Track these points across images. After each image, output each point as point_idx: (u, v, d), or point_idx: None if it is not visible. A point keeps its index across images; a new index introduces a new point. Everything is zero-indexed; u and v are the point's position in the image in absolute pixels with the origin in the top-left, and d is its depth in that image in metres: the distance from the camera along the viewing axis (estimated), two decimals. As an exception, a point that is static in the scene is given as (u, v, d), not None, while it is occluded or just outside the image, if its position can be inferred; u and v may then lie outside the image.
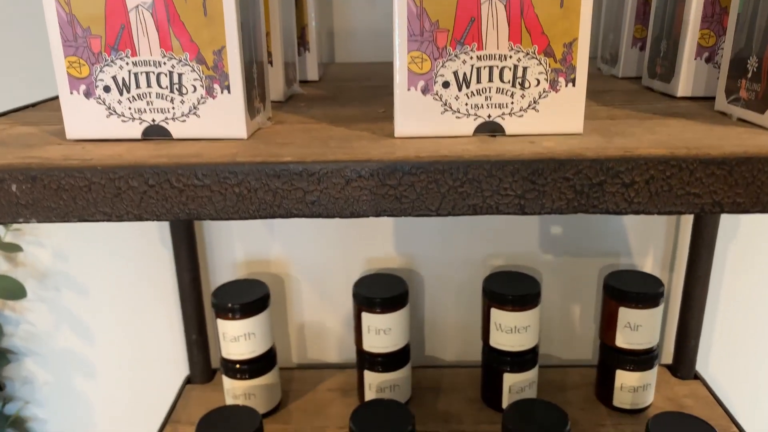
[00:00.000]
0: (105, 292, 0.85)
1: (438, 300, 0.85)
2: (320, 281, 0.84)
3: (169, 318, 0.86)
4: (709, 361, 0.87)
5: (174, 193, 0.29)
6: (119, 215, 0.29)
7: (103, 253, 0.83)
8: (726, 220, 0.80)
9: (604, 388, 0.76)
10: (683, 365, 0.81)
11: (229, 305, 0.71)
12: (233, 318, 0.71)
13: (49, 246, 0.83)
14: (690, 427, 0.61)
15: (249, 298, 0.72)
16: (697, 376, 0.82)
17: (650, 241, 0.82)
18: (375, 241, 0.82)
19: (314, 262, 0.83)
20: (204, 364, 0.82)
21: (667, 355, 0.86)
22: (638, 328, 0.72)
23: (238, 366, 0.74)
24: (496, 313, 0.72)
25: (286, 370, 0.86)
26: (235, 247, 0.83)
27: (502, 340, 0.73)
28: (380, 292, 0.73)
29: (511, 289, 0.72)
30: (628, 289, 0.72)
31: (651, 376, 0.74)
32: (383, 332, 0.73)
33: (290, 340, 0.87)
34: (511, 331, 0.72)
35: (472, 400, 0.79)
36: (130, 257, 0.83)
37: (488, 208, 0.29)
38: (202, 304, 0.81)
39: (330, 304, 0.85)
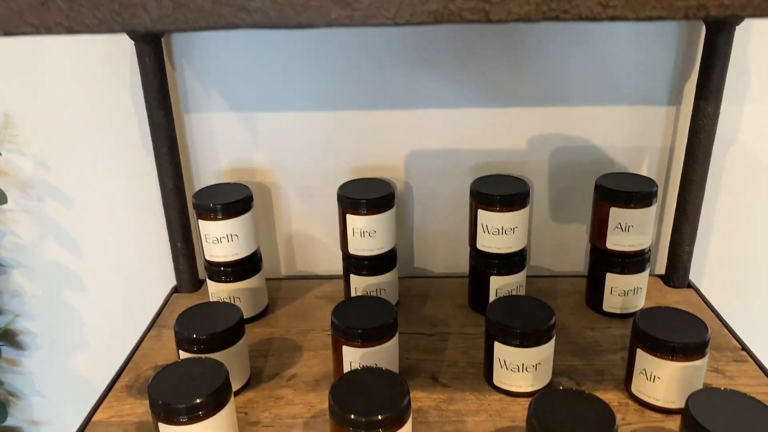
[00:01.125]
0: (89, 201, 0.84)
1: (427, 210, 0.83)
2: (307, 191, 0.82)
3: (156, 228, 0.85)
4: (703, 273, 0.86)
5: (105, 0, 0.26)
6: (47, 27, 0.27)
7: (85, 162, 0.82)
8: (724, 122, 0.77)
9: (594, 293, 0.75)
10: (676, 274, 0.80)
11: (210, 205, 0.69)
12: (214, 218, 0.70)
13: (29, 154, 0.82)
14: (678, 320, 0.60)
15: (231, 198, 0.71)
16: (690, 285, 0.81)
17: (645, 149, 0.79)
18: (362, 150, 0.80)
19: (300, 170, 0.81)
20: (191, 274, 0.82)
21: (661, 268, 0.85)
22: (630, 228, 0.70)
23: (222, 269, 0.73)
24: (483, 215, 0.71)
25: (274, 280, 0.85)
26: (219, 155, 0.81)
27: (489, 242, 0.71)
28: (365, 193, 0.71)
29: (498, 190, 0.70)
30: (621, 188, 0.70)
31: (642, 279, 0.73)
32: (368, 234, 0.71)
33: (278, 251, 0.86)
34: (498, 232, 0.71)
35: (459, 305, 0.78)
36: (112, 165, 0.82)
37: (450, 15, 0.26)
38: (187, 211, 0.79)
39: (317, 214, 0.84)
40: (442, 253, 0.86)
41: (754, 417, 0.48)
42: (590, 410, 0.49)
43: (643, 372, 0.59)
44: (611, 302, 0.74)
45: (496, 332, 0.61)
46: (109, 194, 0.83)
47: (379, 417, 0.48)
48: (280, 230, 0.85)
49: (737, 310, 0.85)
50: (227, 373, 0.54)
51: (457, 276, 0.84)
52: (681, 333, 0.58)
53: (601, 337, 0.71)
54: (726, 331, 0.71)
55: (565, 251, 0.85)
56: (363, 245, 0.72)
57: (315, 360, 0.69)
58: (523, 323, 0.60)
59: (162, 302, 0.80)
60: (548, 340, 0.61)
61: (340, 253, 0.76)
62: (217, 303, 0.64)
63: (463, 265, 0.82)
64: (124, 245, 0.86)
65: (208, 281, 0.74)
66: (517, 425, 0.58)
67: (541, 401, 0.50)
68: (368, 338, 0.60)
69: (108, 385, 0.65)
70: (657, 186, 0.70)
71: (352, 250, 0.73)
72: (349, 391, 0.51)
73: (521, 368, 0.61)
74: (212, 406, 0.52)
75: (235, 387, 0.62)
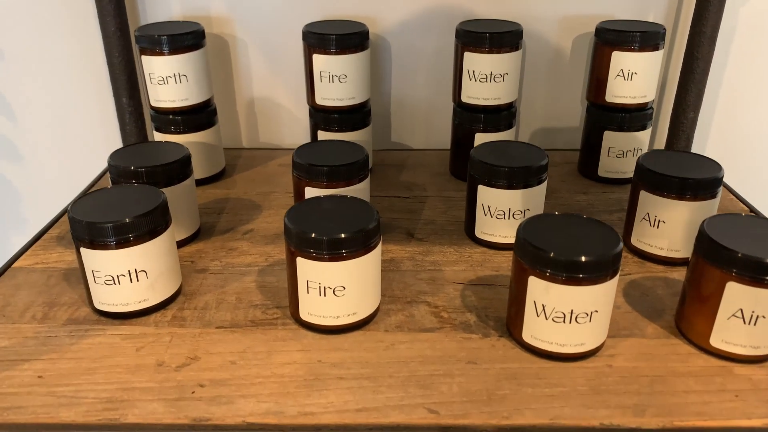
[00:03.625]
0: (21, 54, 0.73)
1: (407, 73, 0.74)
2: (269, 45, 0.73)
3: (99, 85, 0.75)
4: (706, 145, 0.78)
5: None
6: None
7: (14, 10, 0.71)
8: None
9: (590, 156, 0.68)
10: (678, 143, 0.72)
11: (156, 36, 0.60)
12: (159, 53, 0.60)
13: (-50, -5, 0.71)
14: (687, 161, 0.52)
15: (179, 31, 0.61)
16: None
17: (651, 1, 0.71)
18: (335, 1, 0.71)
19: (262, 21, 0.72)
20: (138, 135, 0.72)
21: (661, 140, 0.77)
22: (633, 76, 0.62)
23: (170, 117, 0.64)
24: (470, 59, 0.62)
25: (233, 149, 0.76)
26: (170, 2, 0.71)
27: (475, 92, 0.63)
28: (335, 29, 0.62)
29: (487, 28, 0.62)
30: (625, 29, 0.62)
31: (643, 138, 0.66)
32: (338, 80, 0.63)
33: (239, 120, 0.77)
34: (486, 79, 0.62)
35: (439, 173, 0.70)
36: (46, 13, 0.71)
37: None
38: (133, 62, 0.69)
39: (282, 76, 0.74)
40: (422, 126, 0.78)
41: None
42: (590, 230, 0.42)
43: (646, 217, 0.52)
44: (608, 165, 0.66)
45: (480, 174, 0.53)
46: (45, 46, 0.73)
47: (342, 235, 0.41)
48: (241, 95, 0.76)
49: (742, 183, 0.77)
50: (165, 198, 0.46)
51: (439, 149, 0.77)
52: (691, 171, 0.51)
53: (596, 201, 0.64)
54: (732, 197, 0.65)
55: (559, 121, 0.77)
56: (332, 93, 0.63)
57: (277, 217, 0.61)
58: (512, 162, 0.53)
59: (105, 167, 0.71)
60: (539, 182, 0.53)
61: (307, 122, 0.68)
62: (159, 142, 0.56)
63: (445, 140, 0.74)
64: (64, 106, 0.76)
65: (155, 134, 0.65)
66: (502, 274, 0.52)
67: (533, 223, 0.43)
68: (335, 177, 0.52)
69: (35, 236, 0.57)
70: (665, 29, 0.63)
71: (319, 100, 0.64)
72: (308, 215, 0.44)
73: (507, 214, 0.53)
74: (145, 229, 0.43)
75: (179, 236, 0.54)
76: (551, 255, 0.39)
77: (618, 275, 0.40)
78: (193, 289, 0.49)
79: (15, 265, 0.53)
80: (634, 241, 0.54)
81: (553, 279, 0.39)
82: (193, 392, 0.39)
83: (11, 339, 0.43)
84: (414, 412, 0.37)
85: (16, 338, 0.43)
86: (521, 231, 0.41)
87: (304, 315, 0.44)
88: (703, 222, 0.43)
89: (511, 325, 0.44)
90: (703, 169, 0.51)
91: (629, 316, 0.46)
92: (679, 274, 0.51)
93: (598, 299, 0.40)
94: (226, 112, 0.76)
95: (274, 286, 0.50)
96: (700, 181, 0.49)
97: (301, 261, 0.42)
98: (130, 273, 0.44)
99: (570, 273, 0.39)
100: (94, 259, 0.43)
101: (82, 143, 0.78)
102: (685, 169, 0.51)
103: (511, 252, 0.50)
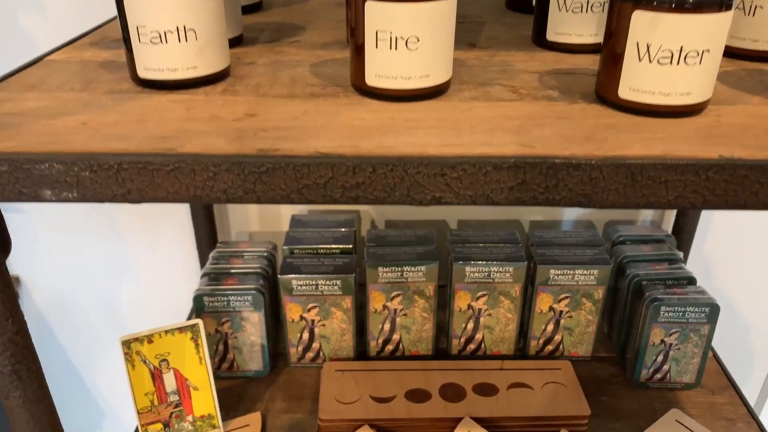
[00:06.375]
0: None
1: None
2: None
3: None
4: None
5: None
6: None
7: None
8: None
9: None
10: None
11: None
12: None
13: None
14: None
15: None
16: None
17: None
18: None
19: None
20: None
21: None
22: None
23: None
24: None
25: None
26: None
27: None
28: None
29: None
30: None
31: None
32: None
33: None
34: None
35: (495, 7, 0.65)
36: None
37: None
38: None
39: None
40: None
41: None
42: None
43: (741, 6, 0.47)
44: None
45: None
46: None
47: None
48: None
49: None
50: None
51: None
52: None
53: None
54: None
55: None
56: None
57: (323, 31, 0.56)
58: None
59: None
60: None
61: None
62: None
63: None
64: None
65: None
66: (581, 67, 0.47)
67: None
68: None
69: (67, 41, 0.53)
70: None
71: None
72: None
73: (585, 7, 0.48)
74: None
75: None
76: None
77: (732, 10, 0.35)
78: (243, 74, 0.45)
79: (48, 58, 0.48)
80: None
81: (660, 8, 0.34)
82: (255, 134, 0.35)
83: (49, 102, 0.39)
84: (505, 147, 0.33)
85: (55, 102, 0.39)
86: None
87: (371, 79, 0.39)
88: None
89: (603, 88, 0.39)
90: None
91: (729, 92, 0.41)
92: (776, 68, 0.47)
93: (710, 34, 0.35)
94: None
95: (330, 75, 0.45)
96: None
97: (370, 5, 0.37)
98: (178, 30, 0.39)
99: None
100: (139, 12, 0.39)
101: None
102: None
103: (586, 54, 0.45)
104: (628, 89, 0.37)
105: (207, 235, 0.84)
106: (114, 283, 0.92)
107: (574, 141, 0.34)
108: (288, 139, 0.34)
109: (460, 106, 0.39)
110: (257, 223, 0.87)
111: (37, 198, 0.33)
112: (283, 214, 0.86)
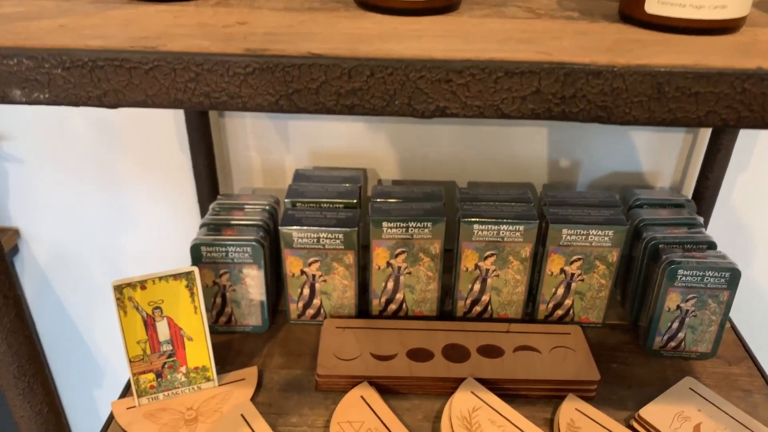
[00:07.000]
0: None
1: None
2: None
3: None
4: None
5: None
6: None
7: None
8: None
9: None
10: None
11: None
12: None
13: None
14: None
15: None
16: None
17: None
18: None
19: None
20: None
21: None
22: None
23: None
24: None
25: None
26: None
27: None
28: None
29: None
30: None
31: None
32: None
33: None
34: None
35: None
36: None
37: None
38: None
39: None
40: None
41: None
42: None
43: (782, -69, 0.43)
44: None
45: None
46: None
47: None
48: None
49: None
50: None
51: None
52: None
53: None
54: None
55: None
56: None
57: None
58: None
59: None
60: None
61: None
62: None
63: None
64: None
65: None
66: None
67: None
68: None
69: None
70: None
71: None
72: None
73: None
74: None
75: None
76: None
77: None
78: (238, -7, 0.42)
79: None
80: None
81: None
82: (245, 37, 0.32)
83: (28, 8, 0.37)
84: (519, 53, 0.30)
85: (34, 8, 0.37)
86: None
87: (374, -10, 0.36)
88: None
89: (628, 6, 0.35)
90: None
91: (766, 18, 0.38)
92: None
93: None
94: None
95: None
96: None
97: None
98: (167, -68, 0.37)
99: None
100: None
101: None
102: None
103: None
104: (656, 2, 0.34)
105: (209, 189, 0.81)
106: (114, 235, 0.90)
107: (594, 51, 0.30)
108: (279, 42, 0.31)
109: (470, 21, 0.36)
110: (261, 178, 0.85)
111: (6, 98, 0.30)
112: (288, 169, 0.83)
